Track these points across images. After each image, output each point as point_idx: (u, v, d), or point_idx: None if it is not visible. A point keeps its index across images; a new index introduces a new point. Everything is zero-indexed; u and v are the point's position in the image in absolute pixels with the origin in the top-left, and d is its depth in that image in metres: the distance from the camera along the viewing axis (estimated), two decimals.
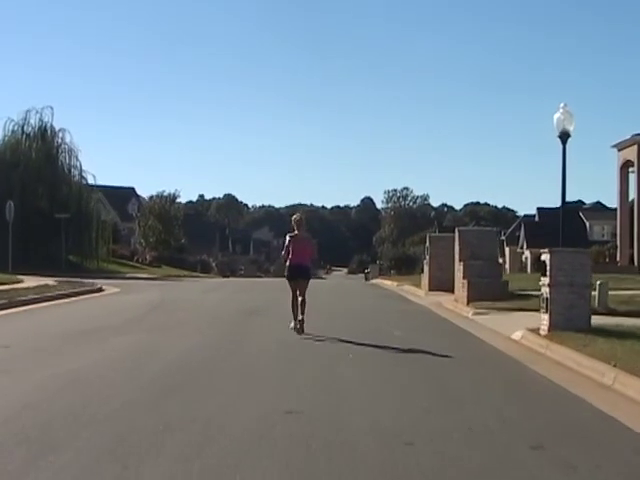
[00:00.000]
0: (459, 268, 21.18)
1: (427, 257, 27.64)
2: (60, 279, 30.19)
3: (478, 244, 21.23)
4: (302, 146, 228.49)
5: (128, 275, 46.71)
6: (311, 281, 14.44)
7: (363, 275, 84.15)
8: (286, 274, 13.98)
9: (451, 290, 26.23)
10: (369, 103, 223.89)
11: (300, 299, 13.63)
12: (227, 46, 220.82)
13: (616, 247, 48.52)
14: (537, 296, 21.50)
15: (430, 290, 27.12)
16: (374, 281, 50.54)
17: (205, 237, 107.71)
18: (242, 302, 21.67)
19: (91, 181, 50.14)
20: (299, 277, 13.82)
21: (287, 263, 13.90)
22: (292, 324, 13.64)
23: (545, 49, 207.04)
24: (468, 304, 19.88)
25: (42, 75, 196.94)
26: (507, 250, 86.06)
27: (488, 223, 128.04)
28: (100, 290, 27.72)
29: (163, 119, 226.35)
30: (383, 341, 12.57)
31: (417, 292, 28.43)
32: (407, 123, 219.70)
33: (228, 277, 67.67)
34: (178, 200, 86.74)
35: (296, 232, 13.96)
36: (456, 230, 21.90)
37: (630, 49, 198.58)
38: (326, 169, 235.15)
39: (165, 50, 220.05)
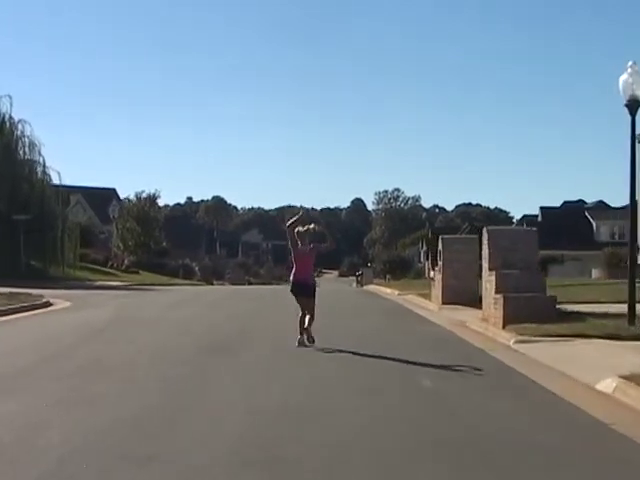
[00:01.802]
0: (489, 279, 16.57)
1: (440, 263, 23.03)
2: (9, 289, 25.55)
3: (512, 248, 16.62)
4: (292, 147, 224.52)
5: (97, 283, 42.01)
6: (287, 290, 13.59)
7: (355, 279, 79.70)
8: (290, 289, 13.53)
9: (469, 304, 21.70)
10: (359, 103, 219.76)
11: (307, 317, 13.09)
12: (211, 47, 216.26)
13: (638, 248, 43.97)
14: (592, 315, 17.20)
15: (443, 303, 22.52)
16: (369, 288, 45.83)
17: (191, 240, 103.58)
18: (212, 325, 17.01)
19: (63, 181, 45.74)
20: (302, 295, 13.28)
21: (291, 277, 13.56)
22: (297, 339, 13.01)
23: (541, 49, 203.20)
24: (504, 327, 15.28)
25: (15, 78, 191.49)
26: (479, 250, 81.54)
27: (481, 224, 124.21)
28: (47, 305, 23.05)
29: (149, 120, 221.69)
30: (409, 404, 7.95)
31: (427, 305, 23.79)
32: (398, 123, 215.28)
33: (212, 284, 63.01)
34: (159, 201, 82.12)
35: (299, 244, 13.17)
36: (484, 230, 17.23)
37: None
38: (316, 170, 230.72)
39: (150, 52, 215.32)
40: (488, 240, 16.77)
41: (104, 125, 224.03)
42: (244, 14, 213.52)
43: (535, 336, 14.07)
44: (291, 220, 13.51)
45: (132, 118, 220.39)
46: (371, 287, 46.18)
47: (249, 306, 24.31)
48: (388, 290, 36.51)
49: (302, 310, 13.14)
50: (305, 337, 12.95)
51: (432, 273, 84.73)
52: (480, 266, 23.55)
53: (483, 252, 17.22)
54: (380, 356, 11.96)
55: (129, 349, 12.78)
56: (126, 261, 64.56)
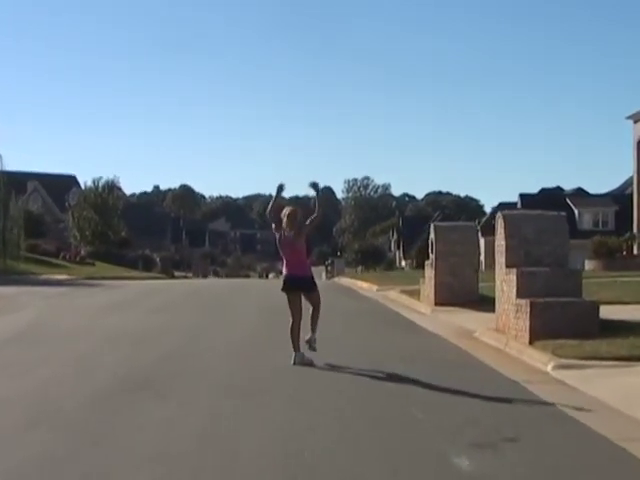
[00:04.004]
0: (507, 279, 12.77)
1: (432, 256, 19.20)
2: None
3: (537, 238, 12.81)
4: (260, 135, 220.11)
5: (42, 277, 37.79)
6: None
7: (324, 268, 75.83)
8: (282, 287, 10.84)
9: (468, 305, 18.01)
10: (327, 90, 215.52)
11: (311, 310, 10.80)
12: (180, 32, 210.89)
13: (634, 238, 40.51)
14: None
15: (437, 304, 18.73)
16: (342, 281, 41.85)
17: (156, 230, 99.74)
18: (146, 341, 13.09)
19: (15, 167, 41.41)
20: (299, 291, 10.72)
21: (283, 272, 11.01)
22: (292, 357, 10.41)
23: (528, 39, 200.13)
24: (532, 342, 11.51)
25: None
26: (482, 242, 78.14)
27: (451, 212, 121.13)
28: None
29: (116, 107, 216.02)
30: None
31: (416, 306, 19.97)
32: (367, 111, 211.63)
33: (173, 276, 59.03)
34: (123, 188, 77.72)
35: (284, 232, 10.62)
36: (499, 216, 13.38)
37: None
38: (284, 158, 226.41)
39: (107, 35, 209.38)
40: (505, 228, 12.93)
41: (67, 110, 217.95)
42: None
43: (580, 358, 10.32)
44: (270, 204, 10.89)
45: (99, 104, 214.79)
46: (344, 280, 42.20)
47: (205, 307, 20.38)
48: (364, 284, 32.62)
49: (293, 316, 10.63)
50: (308, 345, 10.67)
51: (403, 263, 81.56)
52: (478, 261, 19.91)
53: (497, 243, 13.41)
54: (375, 392, 8.16)
55: (10, 388, 8.83)
56: (83, 252, 60.40)
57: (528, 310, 11.73)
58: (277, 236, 10.72)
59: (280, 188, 10.83)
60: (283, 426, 7.09)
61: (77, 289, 28.73)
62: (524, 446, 6.42)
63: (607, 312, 12.83)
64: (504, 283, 12.97)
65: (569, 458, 6.18)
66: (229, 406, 7.91)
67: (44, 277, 38.27)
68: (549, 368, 10.15)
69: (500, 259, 13.22)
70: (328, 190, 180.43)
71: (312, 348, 10.72)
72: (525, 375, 9.89)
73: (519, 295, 12.25)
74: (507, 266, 12.87)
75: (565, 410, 7.76)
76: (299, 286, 10.69)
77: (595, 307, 11.93)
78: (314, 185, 10.95)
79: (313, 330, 10.80)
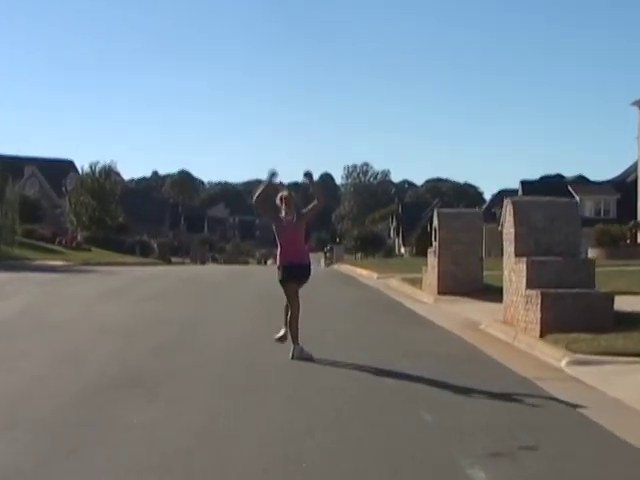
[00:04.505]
0: (516, 268, 12.19)
1: (435, 244, 18.63)
2: None
3: (547, 226, 12.22)
4: (260, 120, 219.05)
5: (35, 263, 37.13)
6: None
7: (322, 254, 75.10)
8: (279, 277, 10.11)
9: (471, 294, 17.49)
10: (327, 75, 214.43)
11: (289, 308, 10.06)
12: (179, 17, 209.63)
13: (638, 226, 39.92)
14: None
15: (439, 293, 18.16)
16: (341, 268, 41.29)
17: (154, 215, 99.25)
18: (138, 333, 12.54)
19: (15, 152, 40.69)
20: (298, 279, 10.04)
21: (278, 260, 10.21)
22: (291, 350, 9.82)
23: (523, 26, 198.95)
24: (543, 336, 10.95)
25: None
26: (483, 229, 77.64)
27: (450, 199, 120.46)
28: None
29: (115, 92, 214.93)
30: None
31: (418, 295, 19.40)
32: (368, 96, 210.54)
33: (170, 262, 58.43)
34: (122, 173, 76.84)
35: (283, 216, 10.03)
36: (508, 202, 12.76)
37: None
38: (284, 144, 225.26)
39: (118, 22, 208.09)
40: (514, 215, 12.33)
41: (67, 95, 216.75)
42: None
43: (595, 354, 9.76)
44: (258, 190, 10.23)
45: (99, 89, 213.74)
46: (343, 267, 41.62)
47: (197, 296, 19.82)
48: (364, 272, 32.06)
49: (292, 307, 10.00)
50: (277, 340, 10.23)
51: (403, 250, 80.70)
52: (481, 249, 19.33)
53: (505, 231, 12.83)
54: (388, 407, 7.60)
55: None
56: (79, 237, 59.72)
57: (539, 301, 11.16)
58: (275, 222, 10.14)
59: (272, 174, 10.17)
60: (283, 426, 6.55)
61: (71, 275, 28.13)
62: (544, 455, 5.85)
63: (619, 303, 12.22)
64: (513, 273, 12.39)
65: (595, 468, 5.62)
66: (225, 406, 7.35)
67: (38, 263, 37.64)
68: (563, 364, 9.59)
69: (509, 248, 12.64)
70: (327, 176, 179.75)
71: (282, 338, 10.23)
72: (537, 371, 9.33)
73: (529, 286, 11.68)
74: (516, 255, 12.29)
75: (586, 413, 7.20)
76: (298, 274, 10.08)
77: (609, 299, 11.37)
78: (308, 175, 10.38)
79: (286, 324, 10.13)
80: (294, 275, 10.03)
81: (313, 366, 9.48)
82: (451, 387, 8.27)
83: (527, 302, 11.59)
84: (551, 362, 9.88)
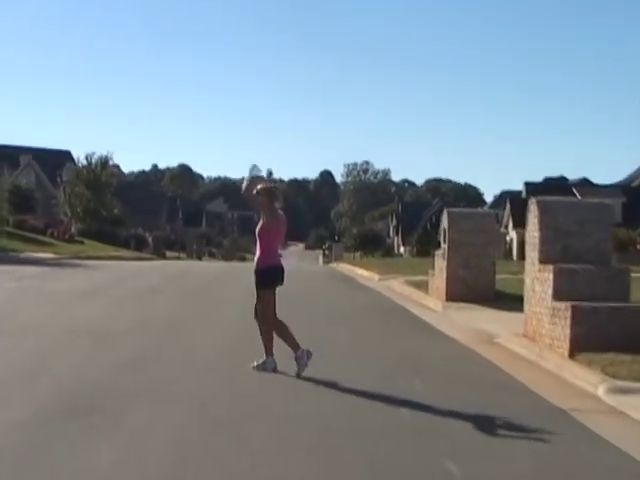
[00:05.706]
0: (541, 277, 10.76)
1: (444, 246, 17.20)
2: None
3: (577, 230, 10.81)
4: (262, 116, 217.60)
5: (22, 255, 35.69)
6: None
7: (321, 252, 73.64)
8: (267, 281, 8.69)
9: (483, 301, 16.10)
10: (327, 74, 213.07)
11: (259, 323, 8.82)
12: (177, 11, 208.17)
13: None
14: None
15: (448, 300, 16.75)
16: (341, 267, 39.77)
17: (152, 209, 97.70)
18: (109, 340, 11.10)
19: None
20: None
21: (262, 264, 8.70)
22: (263, 361, 8.64)
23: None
24: (572, 356, 9.54)
25: None
26: (496, 231, 76.23)
27: (450, 200, 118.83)
28: None
29: (116, 85, 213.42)
30: None
31: (424, 300, 17.96)
32: (369, 95, 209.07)
33: (165, 257, 57.05)
34: (121, 165, 75.37)
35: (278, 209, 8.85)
36: (532, 203, 11.34)
37: None
38: (285, 141, 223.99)
39: (116, 16, 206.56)
40: (540, 216, 10.89)
41: (68, 86, 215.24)
42: None
43: (638, 380, 8.35)
44: (245, 183, 9.29)
45: (99, 83, 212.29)
46: (342, 266, 40.09)
47: (184, 297, 18.41)
48: (365, 272, 30.54)
49: (274, 315, 8.77)
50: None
51: (402, 249, 79.24)
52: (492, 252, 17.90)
53: (529, 235, 11.40)
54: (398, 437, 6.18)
55: None
56: (72, 229, 58.27)
57: (569, 315, 9.74)
58: (271, 221, 8.75)
59: (253, 168, 8.89)
60: (265, 476, 5.16)
61: (56, 269, 26.66)
62: None
63: None
64: (536, 281, 10.96)
65: None
66: (197, 443, 5.94)
67: (25, 255, 36.20)
68: (600, 392, 8.17)
69: (532, 253, 11.21)
70: (328, 174, 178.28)
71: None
72: (573, 400, 7.92)
73: (556, 297, 10.26)
74: (541, 262, 10.87)
75: None
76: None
77: None
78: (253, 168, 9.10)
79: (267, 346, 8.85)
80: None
81: (310, 387, 8.06)
82: (476, 420, 6.84)
83: (553, 315, 10.17)
84: (585, 387, 8.46)
